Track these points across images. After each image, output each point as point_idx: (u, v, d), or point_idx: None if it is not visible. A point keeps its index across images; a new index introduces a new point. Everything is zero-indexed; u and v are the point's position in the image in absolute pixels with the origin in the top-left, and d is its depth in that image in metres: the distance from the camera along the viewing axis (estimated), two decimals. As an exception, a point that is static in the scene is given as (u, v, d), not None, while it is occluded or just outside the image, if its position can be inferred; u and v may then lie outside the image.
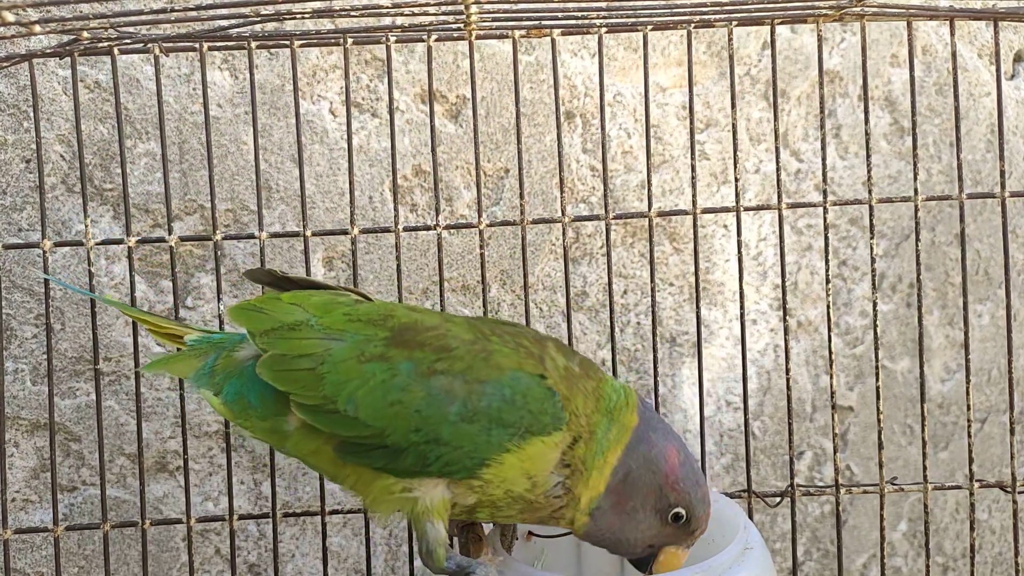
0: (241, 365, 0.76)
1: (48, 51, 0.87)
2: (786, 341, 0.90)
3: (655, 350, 0.92)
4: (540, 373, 0.72)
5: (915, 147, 0.90)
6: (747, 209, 0.91)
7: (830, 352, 0.90)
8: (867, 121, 0.89)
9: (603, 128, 0.89)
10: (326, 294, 0.79)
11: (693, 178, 0.90)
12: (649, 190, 0.89)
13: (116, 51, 0.87)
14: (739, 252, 0.90)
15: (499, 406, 0.70)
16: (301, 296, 0.78)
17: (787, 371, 0.90)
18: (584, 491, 0.72)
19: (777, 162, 0.90)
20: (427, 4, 0.78)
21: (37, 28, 0.80)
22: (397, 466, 0.71)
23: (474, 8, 0.82)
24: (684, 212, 0.91)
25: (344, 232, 0.90)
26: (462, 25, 0.87)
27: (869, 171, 0.90)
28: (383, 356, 0.72)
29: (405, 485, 0.71)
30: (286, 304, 0.77)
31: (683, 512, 0.73)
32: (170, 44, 0.87)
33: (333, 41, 0.88)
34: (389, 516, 0.73)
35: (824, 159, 0.90)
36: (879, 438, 0.90)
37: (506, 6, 0.85)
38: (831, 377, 0.90)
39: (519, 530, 0.83)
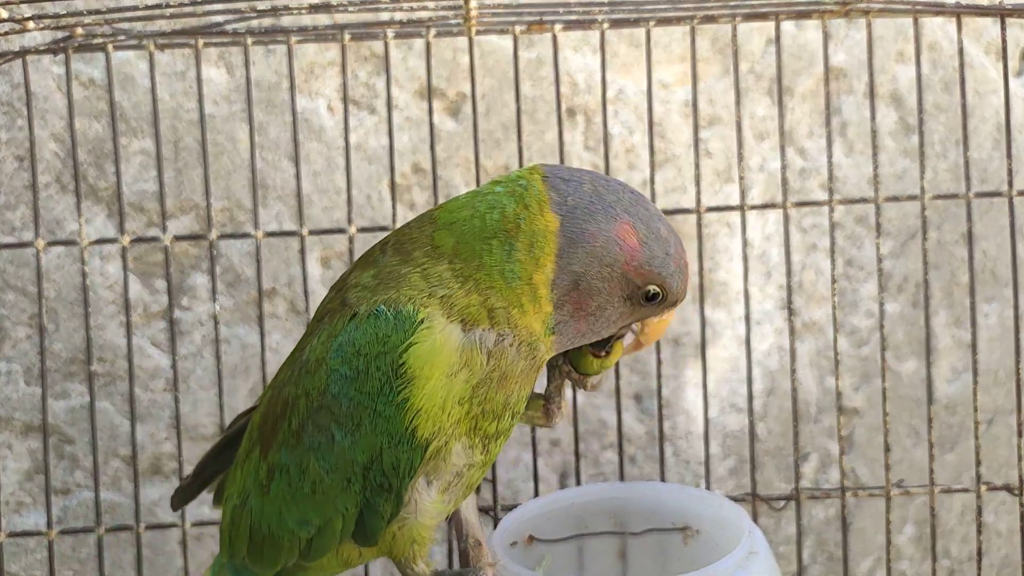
0: None
1: (42, 48, 0.87)
2: (791, 342, 0.89)
3: (658, 351, 0.91)
4: (349, 317, 0.65)
5: (921, 145, 0.89)
6: (752, 207, 0.90)
7: (835, 353, 0.89)
8: (873, 118, 0.88)
9: (605, 125, 0.88)
10: (237, 451, 0.75)
11: (697, 176, 0.90)
12: (652, 188, 0.89)
13: (110, 48, 0.86)
14: (744, 251, 0.90)
15: (354, 394, 0.63)
16: (228, 484, 0.75)
17: (792, 372, 0.89)
18: (532, 320, 0.65)
19: (782, 160, 0.89)
20: (426, -1, 0.78)
21: (31, 24, 0.80)
22: (386, 512, 0.66)
23: (474, 3, 0.82)
24: (688, 211, 0.90)
25: (341, 231, 0.89)
26: (461, 20, 0.86)
27: (875, 169, 0.89)
28: (270, 469, 0.68)
29: (397, 522, 0.68)
30: (225, 499, 0.74)
31: (657, 291, 0.67)
32: (165, 40, 0.87)
33: (330, 37, 0.87)
34: None
35: (830, 157, 0.89)
36: (885, 440, 0.89)
37: (506, 1, 0.84)
38: (837, 379, 0.90)
39: (520, 533, 0.82)
